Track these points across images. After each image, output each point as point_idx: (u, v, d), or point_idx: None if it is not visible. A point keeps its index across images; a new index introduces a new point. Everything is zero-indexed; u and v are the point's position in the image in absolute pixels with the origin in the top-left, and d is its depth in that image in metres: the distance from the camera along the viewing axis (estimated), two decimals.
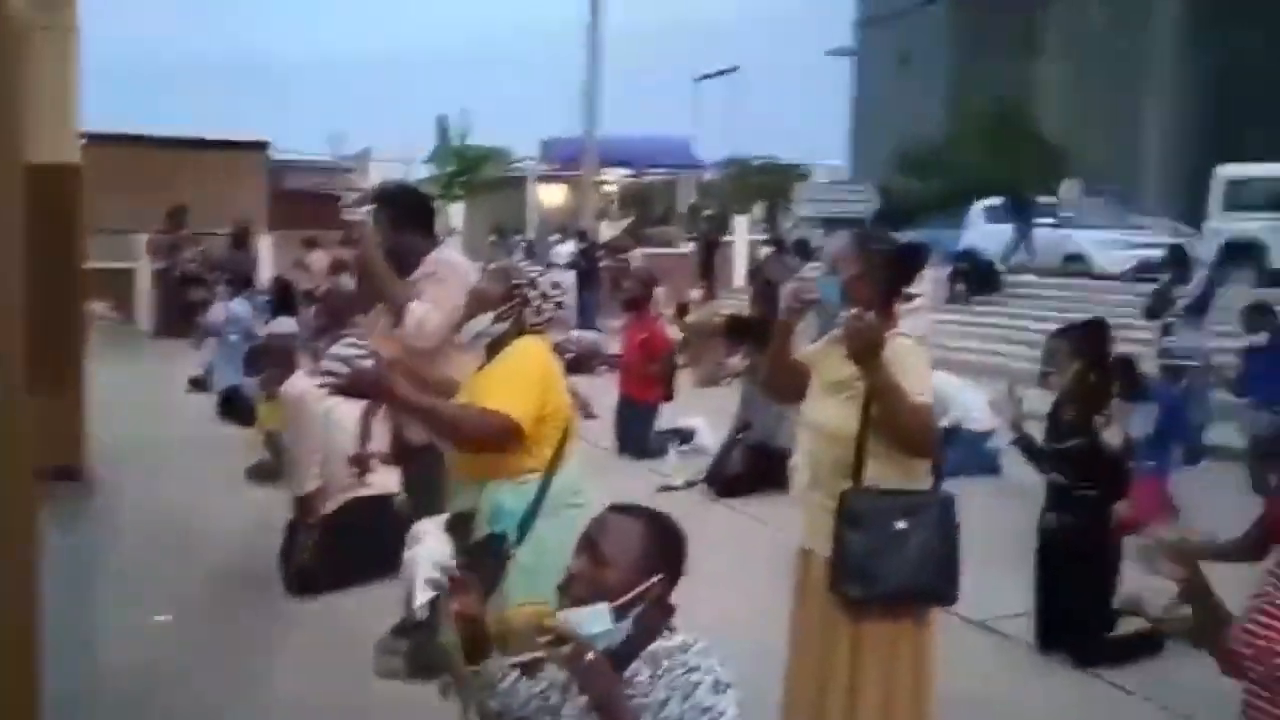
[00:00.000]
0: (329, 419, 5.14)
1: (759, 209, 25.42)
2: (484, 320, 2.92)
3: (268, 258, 16.26)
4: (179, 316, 14.68)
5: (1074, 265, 20.36)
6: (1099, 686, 4.24)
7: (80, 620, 4.38)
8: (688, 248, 20.90)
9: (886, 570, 2.87)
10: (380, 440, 4.90)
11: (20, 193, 3.15)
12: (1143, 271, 19.38)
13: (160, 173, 16.68)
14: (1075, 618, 4.35)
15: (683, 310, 12.26)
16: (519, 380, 2.77)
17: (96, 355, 7.52)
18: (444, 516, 2.85)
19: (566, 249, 17.18)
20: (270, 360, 6.75)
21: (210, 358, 9.67)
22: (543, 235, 18.81)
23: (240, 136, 19.84)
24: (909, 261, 3.19)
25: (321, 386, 2.76)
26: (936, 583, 2.93)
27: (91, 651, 4.18)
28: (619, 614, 1.88)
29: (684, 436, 8.09)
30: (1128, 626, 4.49)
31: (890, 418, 2.78)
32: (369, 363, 2.86)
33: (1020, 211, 20.45)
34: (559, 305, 2.98)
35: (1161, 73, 42.56)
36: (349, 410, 5.27)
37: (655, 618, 1.93)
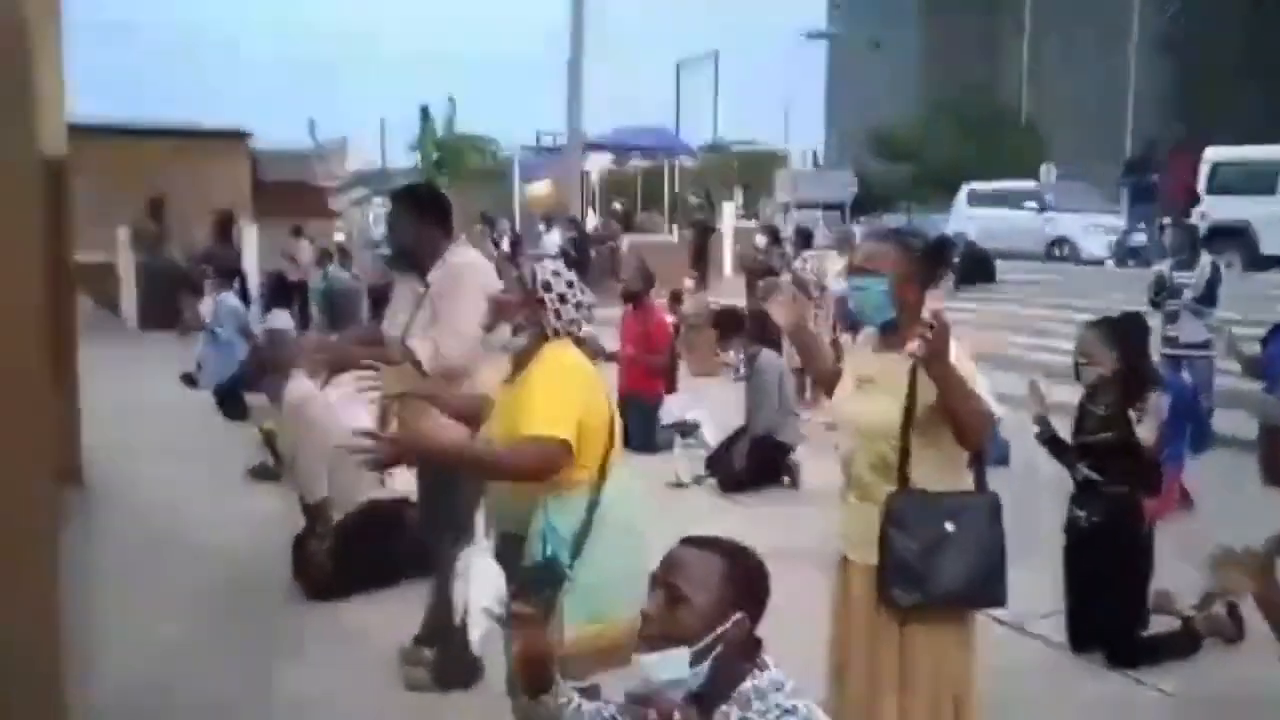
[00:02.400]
0: (335, 423, 5.02)
1: (739, 195, 25.33)
2: (504, 334, 2.82)
3: (253, 248, 16.06)
4: (164, 309, 14.50)
5: (1058, 250, 20.47)
6: (1136, 688, 4.17)
7: (86, 630, 4.26)
8: (674, 235, 20.83)
9: (937, 574, 2.82)
10: None
11: (36, 196, 3.06)
12: (1127, 256, 19.58)
13: (140, 163, 16.40)
14: (1108, 617, 4.29)
15: (676, 299, 12.15)
16: (556, 395, 2.64)
17: (83, 351, 7.35)
18: (489, 542, 2.74)
19: (554, 238, 17.05)
20: (270, 363, 6.50)
21: (202, 352, 9.51)
22: (529, 224, 18.66)
23: (221, 126, 19.52)
24: (941, 256, 3.14)
25: (360, 466, 2.60)
26: (987, 585, 2.89)
27: (99, 662, 4.07)
28: (698, 657, 1.78)
29: (687, 430, 8.01)
30: (1159, 625, 4.44)
31: (957, 412, 2.70)
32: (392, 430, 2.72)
33: (1143, 193, 19.71)
34: (579, 305, 2.83)
35: (1138, 50, 42.77)
36: (356, 413, 5.15)
37: (740, 657, 1.83)
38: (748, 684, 1.81)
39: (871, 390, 2.90)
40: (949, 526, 2.83)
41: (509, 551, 2.69)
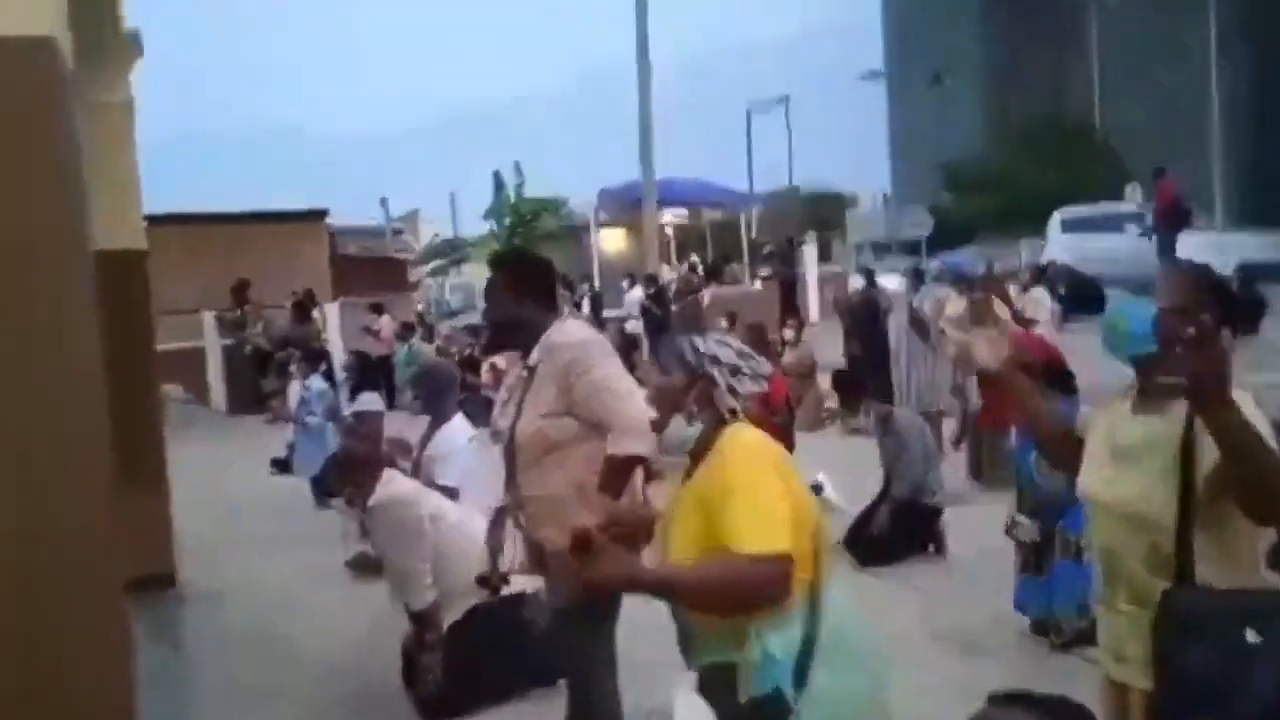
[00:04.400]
0: (438, 523, 4.51)
1: (810, 239, 24.89)
2: (678, 426, 2.32)
3: (334, 325, 15.95)
4: (252, 393, 14.42)
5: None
6: None
7: None
8: (755, 284, 20.32)
9: (1240, 696, 2.18)
10: (515, 552, 4.00)
11: (92, 290, 2.80)
12: (1248, 281, 18.41)
13: (220, 249, 16.50)
14: None
15: (772, 350, 11.56)
16: (760, 495, 2.10)
17: (172, 441, 7.04)
18: (692, 675, 2.20)
19: (635, 295, 16.65)
20: (358, 459, 5.08)
21: (293, 438, 9.20)
22: (609, 283, 18.32)
23: (297, 207, 19.72)
24: (1232, 297, 2.54)
25: (558, 588, 2.08)
26: None
27: None
28: None
29: (814, 491, 7.37)
30: None
31: (1253, 478, 2.08)
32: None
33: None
34: (755, 374, 2.34)
35: (1210, 65, 41.53)
36: (457, 512, 4.66)
37: None
38: None
39: (1134, 464, 2.31)
40: (1251, 636, 2.20)
41: (716, 684, 2.14)
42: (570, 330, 3.38)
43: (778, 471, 2.17)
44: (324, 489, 8.19)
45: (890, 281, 12.56)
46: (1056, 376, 4.96)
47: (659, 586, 2.08)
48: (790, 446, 7.83)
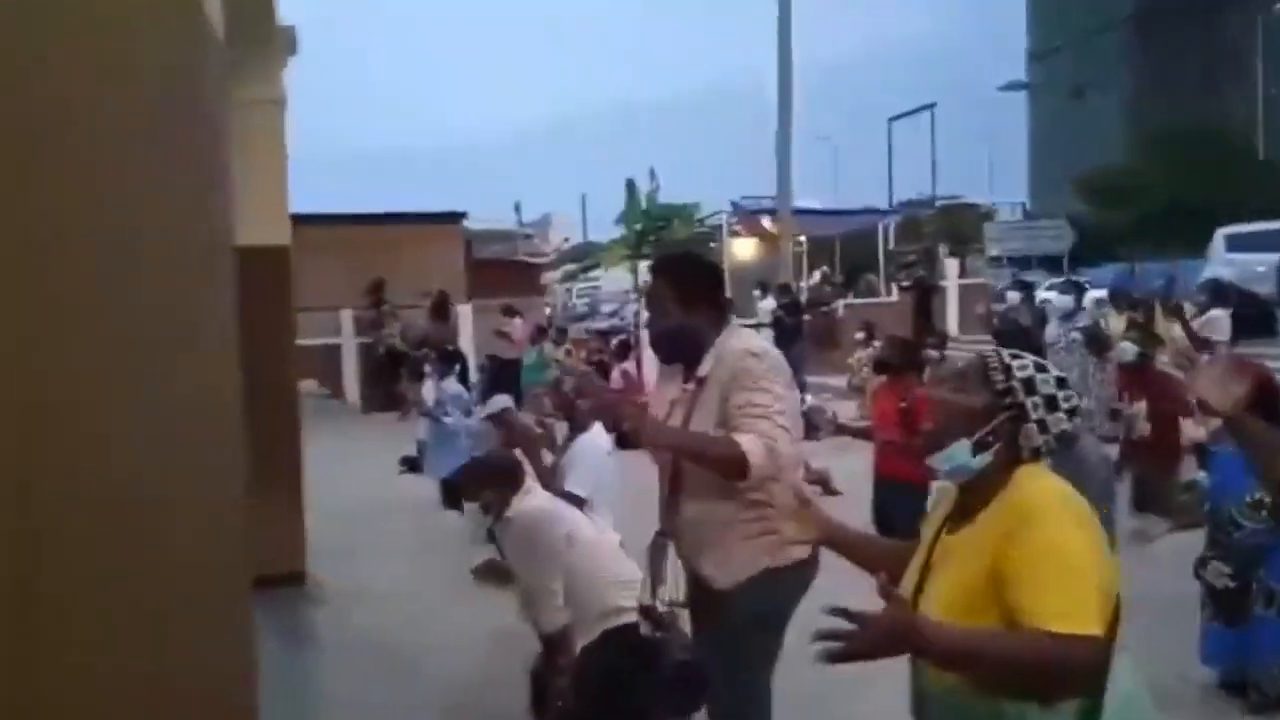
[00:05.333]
0: (573, 542, 4.26)
1: (945, 250, 24.09)
2: (961, 450, 1.96)
3: (467, 327, 16.08)
4: (385, 392, 14.63)
5: None
6: None
7: None
8: (892, 296, 19.68)
9: None
10: (677, 582, 3.32)
11: (233, 281, 2.68)
12: None
13: (359, 247, 16.82)
14: None
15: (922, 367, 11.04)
16: (1073, 564, 1.75)
17: (307, 434, 7.05)
18: None
19: (768, 304, 16.29)
20: (501, 466, 4.97)
21: (423, 436, 9.19)
22: (741, 291, 17.98)
23: (436, 209, 20.02)
24: None
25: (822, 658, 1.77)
26: None
27: None
28: None
29: None
30: None
31: None
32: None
33: None
34: (1073, 410, 1.97)
35: None
36: (592, 529, 4.41)
37: None
38: None
39: None
40: None
41: None
42: (747, 338, 3.11)
43: (1084, 528, 1.84)
44: (455, 492, 8.11)
45: (1049, 295, 11.88)
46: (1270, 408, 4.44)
47: (950, 656, 1.75)
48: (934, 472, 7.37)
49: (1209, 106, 58.05)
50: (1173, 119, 56.08)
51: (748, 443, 2.82)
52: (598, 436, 5.25)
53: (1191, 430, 7.39)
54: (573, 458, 5.17)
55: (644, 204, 21.27)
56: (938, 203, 34.03)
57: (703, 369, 3.03)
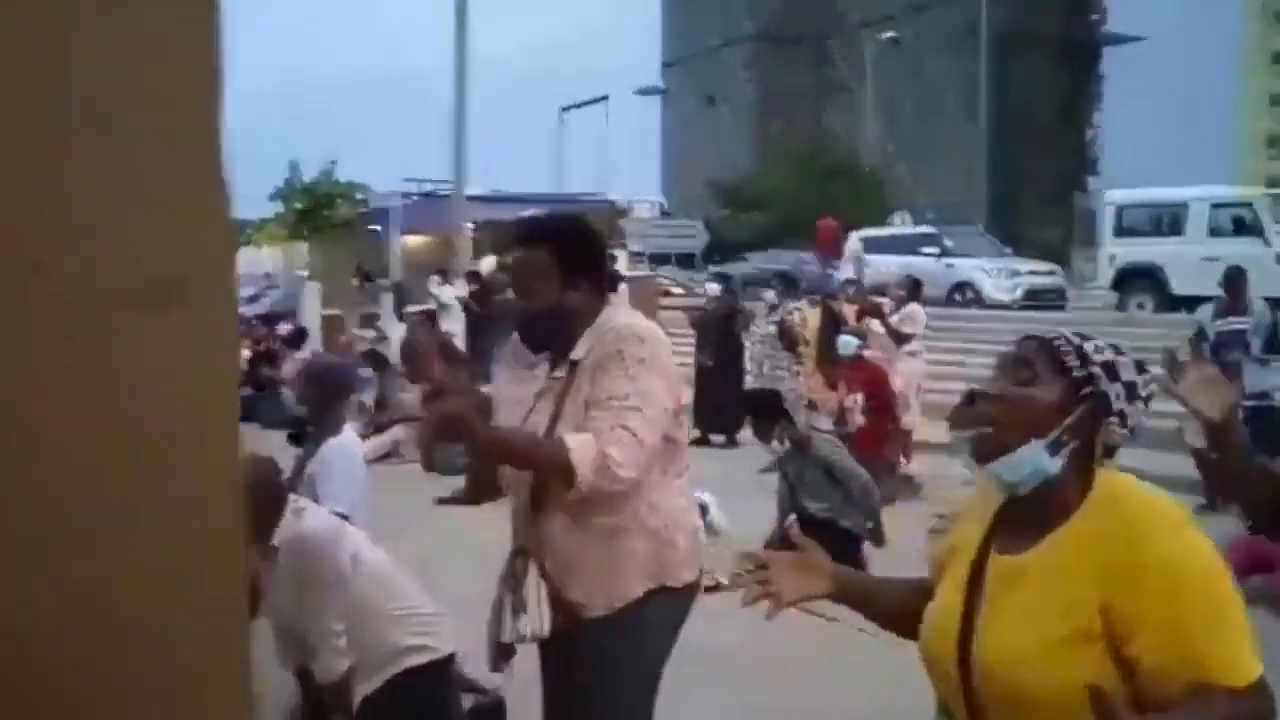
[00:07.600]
0: (359, 567, 3.53)
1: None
2: (1035, 453, 1.58)
3: None
4: None
5: (959, 295, 20.33)
6: None
7: None
8: None
9: None
10: (540, 612, 2.57)
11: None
12: (1031, 300, 19.58)
13: None
14: None
15: None
16: (1220, 593, 1.46)
17: None
18: None
19: (450, 292, 15.57)
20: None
21: None
22: (414, 277, 17.11)
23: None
24: None
25: None
26: None
27: None
28: None
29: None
30: None
31: None
32: None
33: None
34: (1149, 398, 1.63)
35: (968, 101, 44.81)
36: (372, 547, 3.71)
37: None
38: None
39: None
40: None
41: None
42: (634, 317, 2.63)
43: (1207, 541, 1.51)
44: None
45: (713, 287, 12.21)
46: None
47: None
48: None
49: (820, 122, 64.56)
50: (791, 133, 61.67)
51: (579, 447, 2.34)
52: (349, 440, 4.50)
53: (908, 419, 7.81)
54: (322, 466, 4.36)
55: (304, 180, 19.78)
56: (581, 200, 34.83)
57: (577, 352, 2.50)
